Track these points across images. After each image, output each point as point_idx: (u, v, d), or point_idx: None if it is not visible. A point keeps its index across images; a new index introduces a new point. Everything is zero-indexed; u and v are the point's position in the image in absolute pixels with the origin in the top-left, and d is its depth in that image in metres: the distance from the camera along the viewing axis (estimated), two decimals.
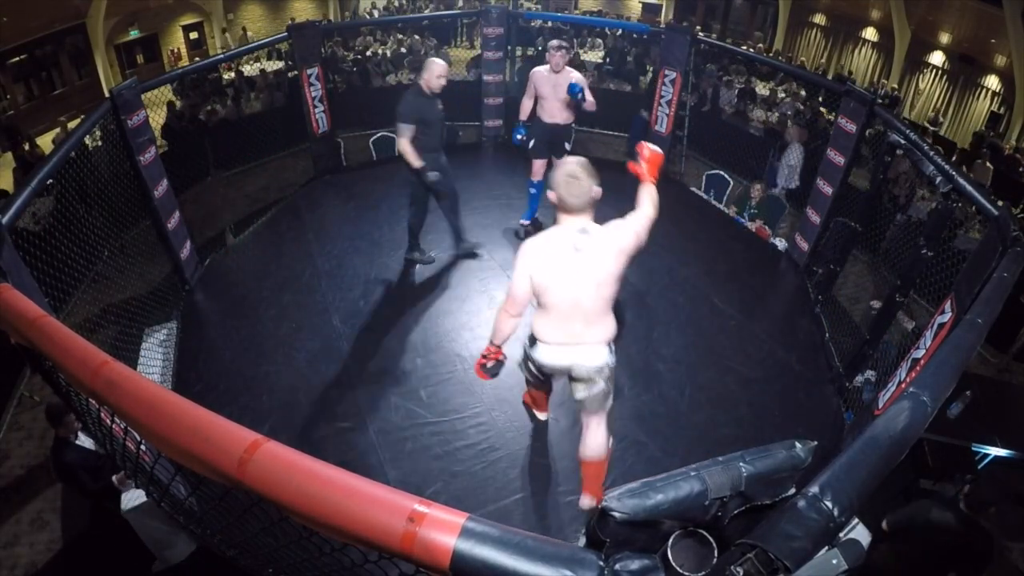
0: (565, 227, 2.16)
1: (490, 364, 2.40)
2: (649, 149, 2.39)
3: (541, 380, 2.65)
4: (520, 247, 2.22)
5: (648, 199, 2.28)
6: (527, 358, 2.47)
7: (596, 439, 2.42)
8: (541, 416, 3.14)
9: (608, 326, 2.28)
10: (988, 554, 2.63)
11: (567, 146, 4.31)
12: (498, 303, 3.91)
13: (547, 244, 2.17)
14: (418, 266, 4.30)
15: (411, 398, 3.26)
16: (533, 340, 2.36)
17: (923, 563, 2.70)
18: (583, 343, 2.26)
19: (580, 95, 3.94)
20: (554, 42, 4.11)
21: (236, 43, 13.31)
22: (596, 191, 2.12)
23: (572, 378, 2.36)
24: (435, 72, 3.58)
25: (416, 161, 3.64)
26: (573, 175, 2.08)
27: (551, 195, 2.16)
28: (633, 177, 2.37)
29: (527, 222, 4.67)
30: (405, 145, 3.62)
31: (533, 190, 4.55)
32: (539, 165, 4.41)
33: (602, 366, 2.29)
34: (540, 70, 4.14)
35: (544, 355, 2.33)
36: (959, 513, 2.63)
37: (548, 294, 2.18)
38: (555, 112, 4.18)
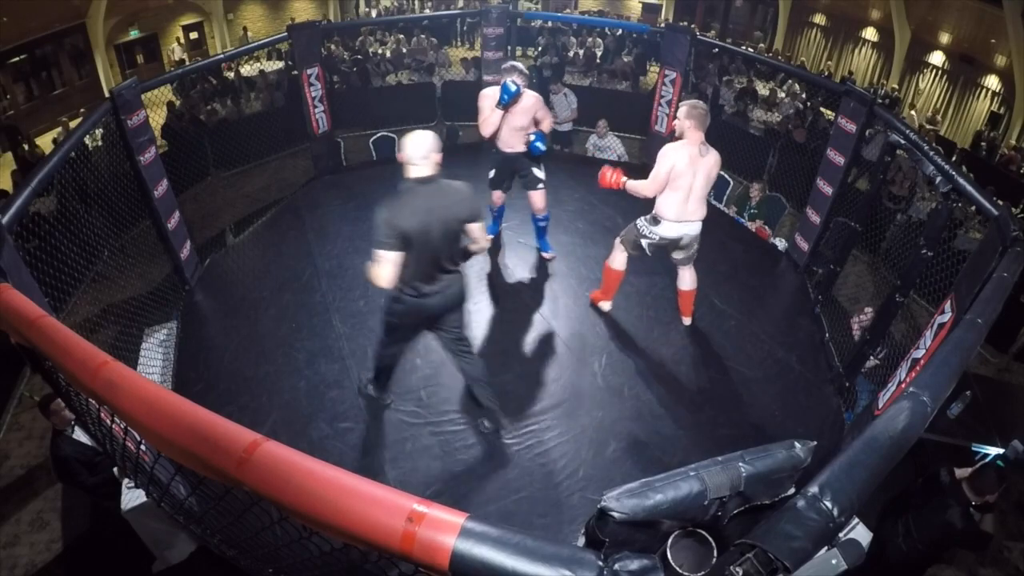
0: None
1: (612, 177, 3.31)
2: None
3: (648, 255, 3.50)
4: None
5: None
6: (641, 236, 3.35)
7: (692, 275, 3.62)
8: (606, 307, 3.83)
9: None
10: (983, 548, 2.80)
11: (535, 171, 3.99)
12: (499, 303, 3.94)
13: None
14: None
15: (411, 398, 3.25)
16: (656, 220, 3.26)
17: (928, 550, 2.87)
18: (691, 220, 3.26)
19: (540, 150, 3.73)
20: (506, 64, 3.62)
21: (237, 43, 13.32)
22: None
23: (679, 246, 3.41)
24: None
25: None
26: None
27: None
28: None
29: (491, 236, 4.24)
30: None
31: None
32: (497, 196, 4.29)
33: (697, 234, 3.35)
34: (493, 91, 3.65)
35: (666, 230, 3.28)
36: (969, 518, 2.73)
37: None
38: (512, 141, 3.83)
